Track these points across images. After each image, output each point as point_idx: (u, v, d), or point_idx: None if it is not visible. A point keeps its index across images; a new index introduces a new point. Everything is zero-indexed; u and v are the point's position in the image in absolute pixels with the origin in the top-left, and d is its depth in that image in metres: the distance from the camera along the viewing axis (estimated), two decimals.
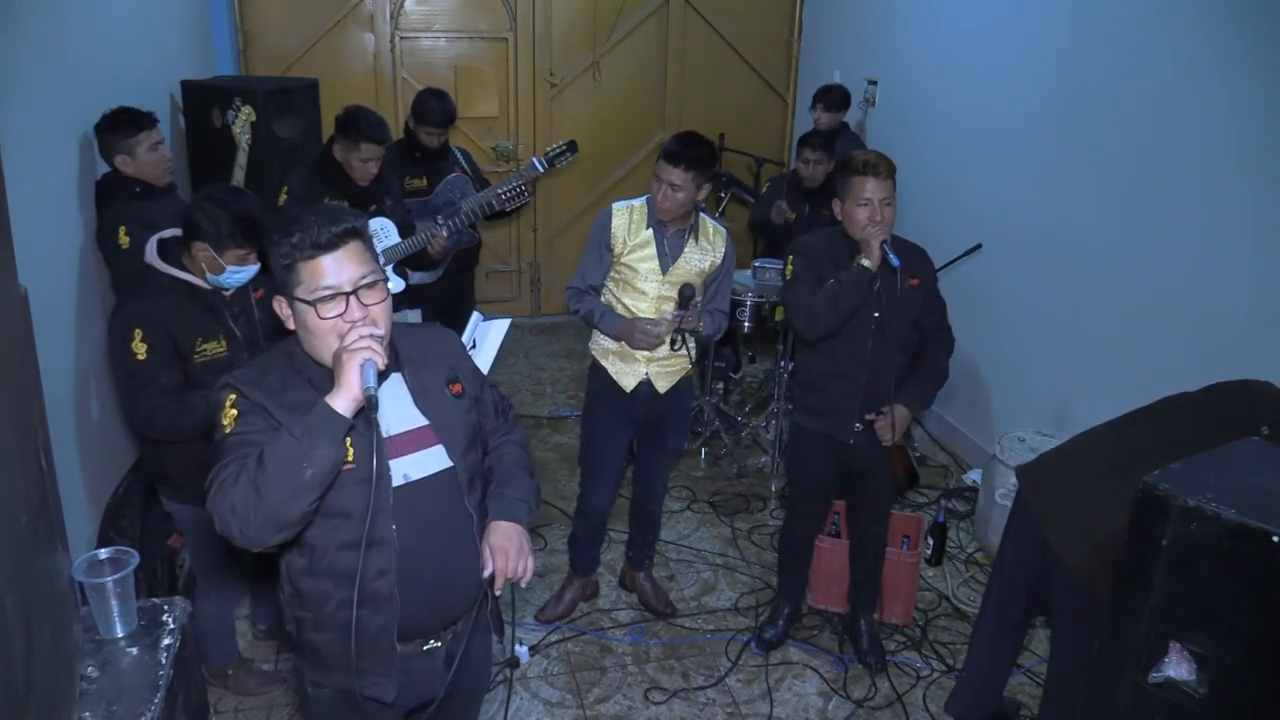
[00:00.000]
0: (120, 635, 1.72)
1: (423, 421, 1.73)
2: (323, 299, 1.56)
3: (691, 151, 2.82)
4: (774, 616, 3.32)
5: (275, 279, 1.62)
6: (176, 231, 2.50)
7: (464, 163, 4.16)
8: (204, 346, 2.46)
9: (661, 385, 3.07)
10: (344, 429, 1.53)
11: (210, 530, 2.65)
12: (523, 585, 1.77)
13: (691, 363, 3.09)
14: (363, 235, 1.62)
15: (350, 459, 1.59)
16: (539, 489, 1.96)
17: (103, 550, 1.76)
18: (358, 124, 3.40)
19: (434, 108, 3.93)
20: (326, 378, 1.59)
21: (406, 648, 1.76)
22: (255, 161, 3.59)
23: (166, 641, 1.72)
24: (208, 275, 2.45)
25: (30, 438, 1.44)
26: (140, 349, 2.37)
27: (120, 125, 2.96)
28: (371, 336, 1.55)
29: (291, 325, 1.64)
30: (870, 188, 2.68)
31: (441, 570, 1.74)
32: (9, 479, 1.30)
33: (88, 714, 1.54)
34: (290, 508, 1.51)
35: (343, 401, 1.52)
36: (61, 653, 1.51)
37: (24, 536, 1.35)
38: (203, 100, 3.96)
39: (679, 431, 3.24)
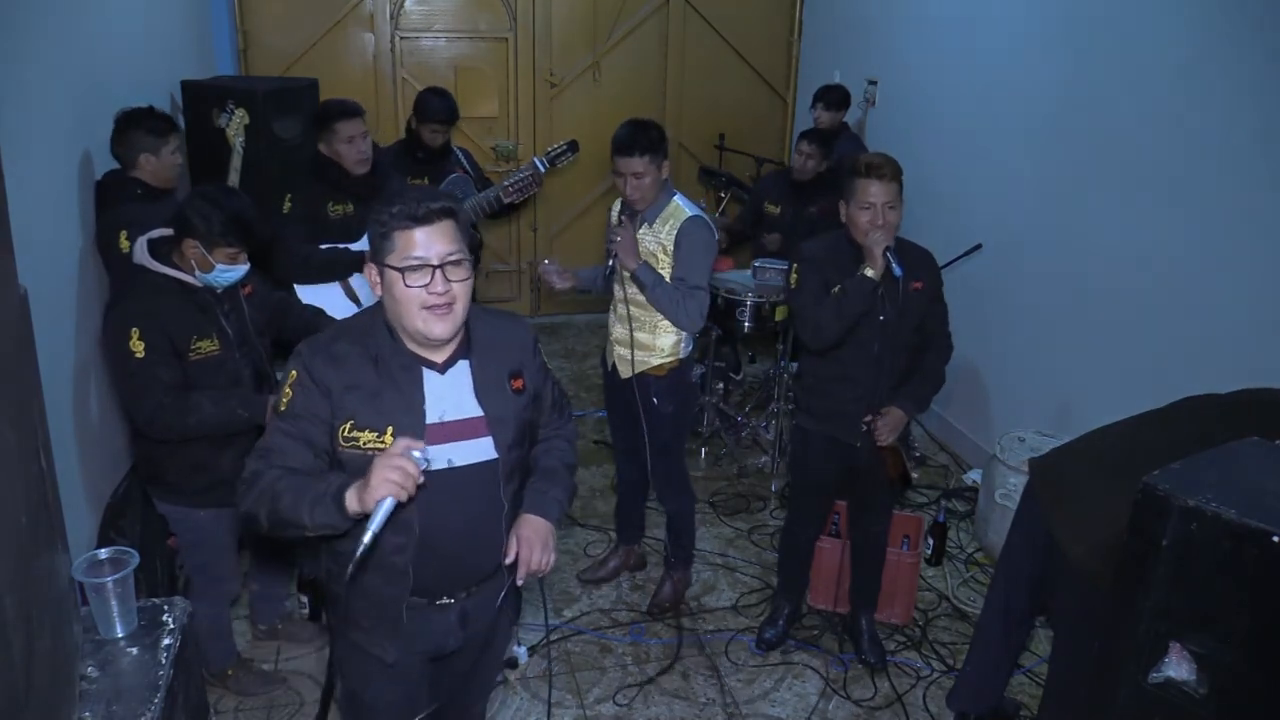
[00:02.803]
0: (120, 635, 1.72)
1: (478, 413, 1.79)
2: (411, 268, 1.65)
3: (643, 137, 2.89)
4: (774, 616, 3.32)
5: (370, 246, 1.72)
6: (166, 231, 2.50)
7: (465, 163, 4.16)
8: (198, 345, 2.46)
9: (623, 369, 3.13)
10: (347, 519, 1.61)
11: (202, 532, 2.68)
12: (539, 575, 1.85)
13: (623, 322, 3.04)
14: (457, 216, 1.71)
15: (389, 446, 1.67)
16: (576, 488, 2.04)
17: (103, 550, 1.76)
18: (326, 110, 3.40)
19: (437, 105, 3.94)
20: (394, 356, 1.73)
21: (419, 600, 1.85)
22: (253, 162, 3.58)
23: (166, 641, 1.72)
24: (197, 273, 2.46)
25: (30, 438, 1.44)
26: (138, 347, 2.38)
27: (151, 125, 2.99)
28: (409, 470, 1.55)
29: (378, 291, 1.73)
30: (874, 191, 2.65)
31: (462, 549, 1.82)
32: (9, 479, 1.30)
33: (88, 714, 1.54)
34: (290, 537, 1.69)
35: (353, 501, 1.58)
36: (61, 653, 1.51)
37: (24, 536, 1.35)
38: (203, 100, 3.96)
39: (652, 426, 3.13)
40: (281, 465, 1.68)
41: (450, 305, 1.68)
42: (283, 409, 1.73)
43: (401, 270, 1.66)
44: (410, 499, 1.59)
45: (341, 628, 1.91)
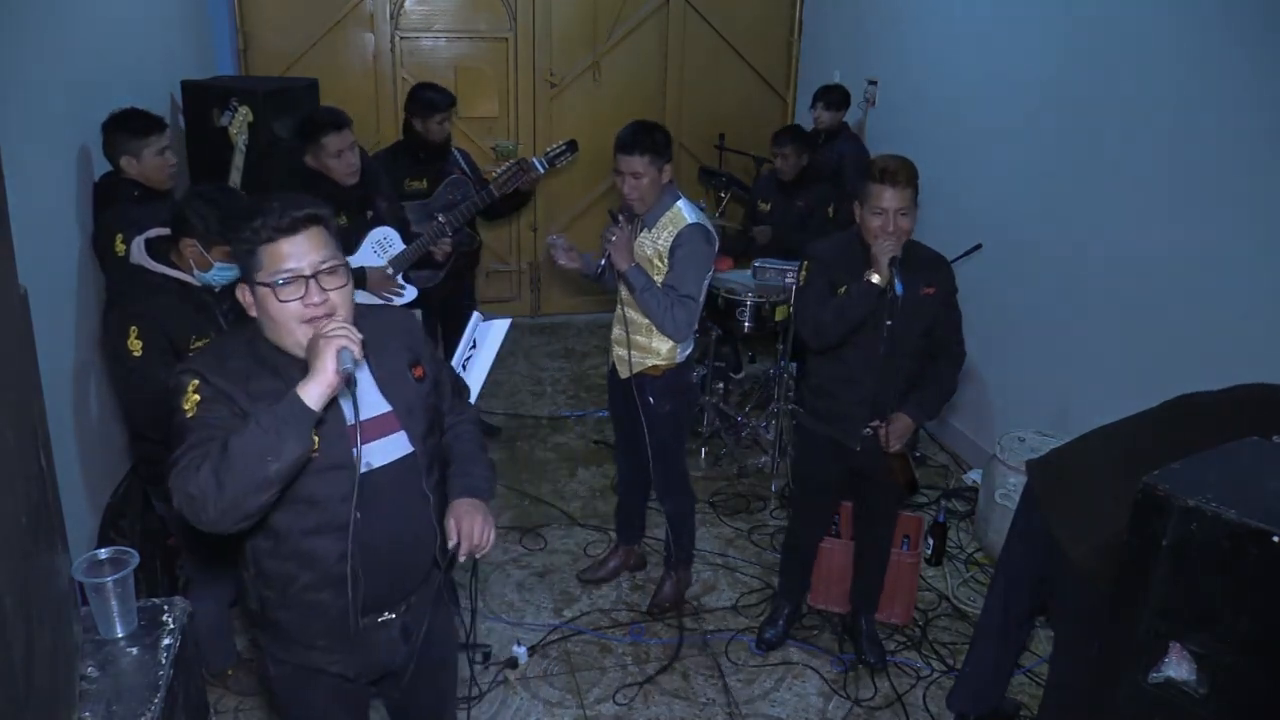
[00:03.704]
0: (120, 635, 1.72)
1: (386, 408, 1.75)
2: (282, 282, 1.57)
3: (646, 138, 2.87)
4: (774, 616, 3.32)
5: (238, 266, 1.63)
6: (162, 231, 2.50)
7: (463, 164, 4.15)
8: (198, 344, 2.46)
9: (621, 369, 3.14)
10: (312, 422, 1.52)
11: (203, 533, 2.67)
12: (478, 556, 1.83)
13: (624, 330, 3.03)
14: (325, 222, 1.63)
15: (316, 447, 1.58)
16: (494, 464, 2.03)
17: (103, 550, 1.75)
18: (313, 124, 3.33)
19: (436, 97, 3.93)
20: (291, 365, 1.62)
21: (363, 620, 1.79)
22: (253, 162, 3.58)
23: (166, 641, 1.72)
24: (195, 272, 2.46)
25: (30, 438, 1.44)
26: (136, 347, 2.38)
27: (130, 126, 2.94)
28: (348, 328, 1.55)
29: (254, 312, 1.64)
30: (887, 197, 2.62)
31: (398, 551, 1.78)
32: (9, 479, 1.30)
33: (88, 714, 1.54)
34: (250, 501, 1.51)
35: (314, 391, 1.50)
36: (61, 653, 1.51)
37: (24, 536, 1.35)
38: (203, 100, 3.96)
39: (650, 425, 3.10)
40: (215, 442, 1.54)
41: (330, 316, 1.59)
42: (190, 414, 1.59)
43: (271, 285, 1.57)
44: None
45: (285, 655, 1.84)
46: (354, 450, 1.59)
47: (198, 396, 1.60)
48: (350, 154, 3.35)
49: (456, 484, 1.88)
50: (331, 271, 1.61)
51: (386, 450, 1.74)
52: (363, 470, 1.66)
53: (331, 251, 1.62)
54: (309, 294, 1.58)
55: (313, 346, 1.54)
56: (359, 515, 1.65)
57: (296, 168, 3.42)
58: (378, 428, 1.73)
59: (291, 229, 1.58)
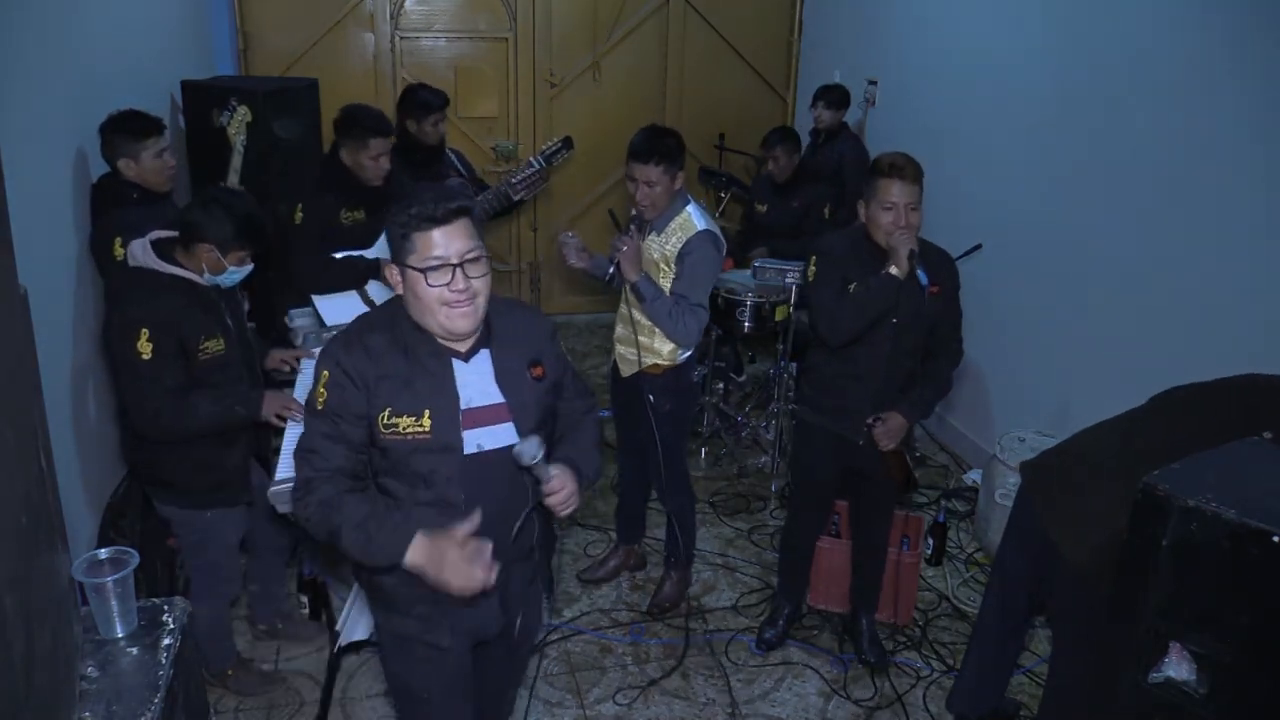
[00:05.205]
0: (120, 635, 1.72)
1: (499, 399, 1.87)
2: (432, 268, 1.72)
3: (660, 145, 2.84)
4: (774, 616, 3.32)
5: (390, 246, 1.79)
6: (169, 234, 2.50)
7: (459, 165, 4.12)
8: (206, 344, 2.48)
9: (623, 368, 3.15)
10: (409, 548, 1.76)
11: (208, 533, 2.69)
12: (562, 514, 1.91)
13: (633, 329, 3.01)
14: (472, 214, 1.79)
15: (427, 429, 1.79)
16: (600, 465, 2.09)
17: (103, 550, 1.75)
18: (360, 122, 3.34)
19: (430, 98, 3.91)
20: (422, 345, 1.81)
21: None
22: (253, 163, 3.57)
23: (166, 641, 1.72)
24: (206, 274, 2.48)
25: (30, 438, 1.44)
26: (146, 349, 2.39)
27: (128, 128, 2.93)
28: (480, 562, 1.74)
29: (400, 290, 1.80)
30: (896, 191, 2.62)
31: (496, 529, 1.87)
32: (9, 479, 1.30)
33: (88, 714, 1.54)
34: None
35: (414, 562, 1.76)
36: (61, 653, 1.51)
37: (24, 536, 1.35)
38: (203, 100, 3.96)
39: (659, 422, 3.12)
40: (327, 469, 1.79)
41: (472, 300, 1.75)
42: (320, 408, 1.80)
43: (423, 271, 1.72)
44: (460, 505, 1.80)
45: (387, 623, 1.99)
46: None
47: (324, 392, 1.79)
48: (386, 160, 3.40)
49: (560, 454, 1.95)
50: (475, 260, 1.75)
51: (497, 437, 1.86)
52: (473, 451, 1.83)
53: (476, 242, 1.77)
54: (455, 281, 1.73)
55: (441, 551, 1.74)
56: (464, 495, 1.83)
57: (330, 161, 3.45)
58: (490, 416, 1.86)
59: (445, 219, 1.72)
